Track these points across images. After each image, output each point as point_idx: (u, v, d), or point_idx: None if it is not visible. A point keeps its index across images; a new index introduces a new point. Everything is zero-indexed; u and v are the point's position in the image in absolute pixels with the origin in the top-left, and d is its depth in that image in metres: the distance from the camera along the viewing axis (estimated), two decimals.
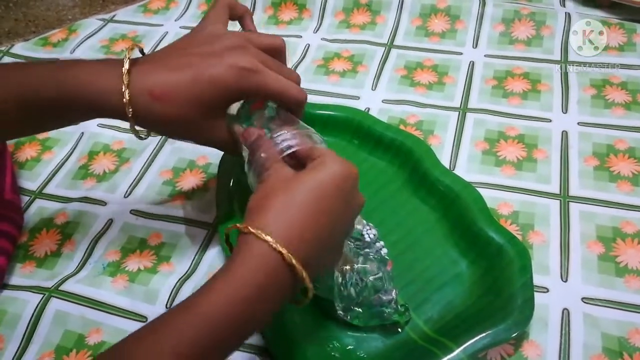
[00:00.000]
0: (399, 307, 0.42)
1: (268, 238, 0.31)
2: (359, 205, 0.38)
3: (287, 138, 0.38)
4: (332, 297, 0.42)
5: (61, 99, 0.39)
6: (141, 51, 0.45)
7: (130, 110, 0.39)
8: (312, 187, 0.34)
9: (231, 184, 0.51)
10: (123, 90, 0.38)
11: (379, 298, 0.41)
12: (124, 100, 0.38)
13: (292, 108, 0.42)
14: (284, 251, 0.31)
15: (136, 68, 0.39)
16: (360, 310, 0.42)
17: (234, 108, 0.43)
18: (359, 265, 0.42)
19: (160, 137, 0.60)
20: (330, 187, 0.34)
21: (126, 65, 0.39)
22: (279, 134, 0.39)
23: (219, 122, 0.42)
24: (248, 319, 0.31)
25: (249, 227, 0.32)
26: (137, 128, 0.41)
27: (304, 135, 0.39)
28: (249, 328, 0.32)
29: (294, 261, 0.31)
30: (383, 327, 0.42)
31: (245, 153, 0.40)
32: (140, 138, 0.43)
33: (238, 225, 0.33)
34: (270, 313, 0.33)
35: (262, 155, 0.37)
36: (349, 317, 0.42)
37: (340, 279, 0.41)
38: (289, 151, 0.37)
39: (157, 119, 0.40)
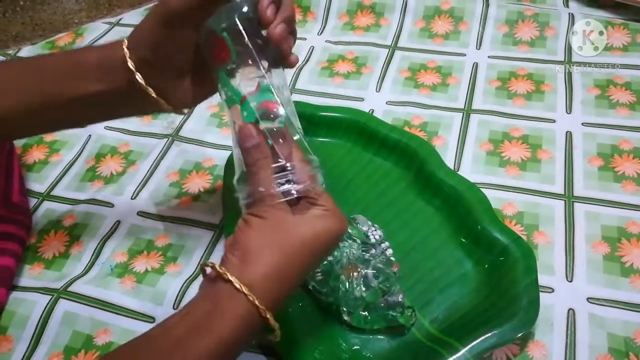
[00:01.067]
0: (405, 309, 0.42)
1: (257, 303, 0.32)
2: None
3: (289, 178, 0.36)
4: (338, 301, 0.42)
5: (69, 65, 0.40)
6: None
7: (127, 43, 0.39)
8: (307, 243, 0.35)
9: None
10: (124, 43, 0.39)
11: (386, 301, 0.42)
12: (124, 47, 0.38)
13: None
14: (268, 316, 0.33)
15: None
16: (366, 313, 0.42)
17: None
18: (365, 270, 0.42)
19: (167, 139, 0.60)
20: (325, 244, 0.35)
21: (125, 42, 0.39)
22: (280, 170, 0.36)
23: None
24: None
25: (241, 284, 0.32)
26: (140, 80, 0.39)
27: (306, 170, 0.36)
28: None
29: (269, 316, 0.33)
30: (389, 328, 0.43)
31: (238, 163, 0.38)
32: (140, 86, 0.39)
33: (229, 276, 0.33)
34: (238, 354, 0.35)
35: (260, 189, 0.35)
36: (355, 321, 0.42)
37: (347, 284, 0.41)
38: (289, 198, 0.36)
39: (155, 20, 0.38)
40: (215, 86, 0.41)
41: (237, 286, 0.32)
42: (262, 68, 0.38)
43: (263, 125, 0.37)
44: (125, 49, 0.38)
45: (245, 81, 0.38)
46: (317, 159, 0.38)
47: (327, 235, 0.35)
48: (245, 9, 0.38)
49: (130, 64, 0.38)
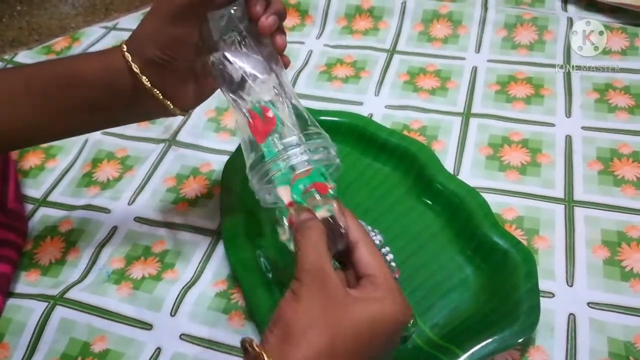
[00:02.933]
0: None
1: None
2: (397, 345, 0.35)
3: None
4: None
5: (68, 71, 0.39)
6: None
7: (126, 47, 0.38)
8: (363, 329, 0.30)
9: (236, 190, 0.51)
10: (123, 48, 0.38)
11: None
12: (124, 51, 0.38)
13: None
14: None
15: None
16: None
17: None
18: None
19: (164, 144, 0.60)
20: (384, 333, 0.31)
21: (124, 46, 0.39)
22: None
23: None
24: None
25: None
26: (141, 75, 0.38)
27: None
28: None
29: None
30: None
31: (284, 218, 0.37)
32: (148, 88, 0.39)
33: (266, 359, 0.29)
34: None
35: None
36: None
37: None
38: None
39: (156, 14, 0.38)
40: (215, 85, 0.41)
41: None
42: (276, 76, 0.40)
43: (319, 214, 0.36)
44: (127, 54, 0.38)
45: (261, 91, 0.39)
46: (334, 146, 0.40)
47: (387, 324, 0.31)
48: (239, 14, 0.39)
49: (135, 68, 0.38)
